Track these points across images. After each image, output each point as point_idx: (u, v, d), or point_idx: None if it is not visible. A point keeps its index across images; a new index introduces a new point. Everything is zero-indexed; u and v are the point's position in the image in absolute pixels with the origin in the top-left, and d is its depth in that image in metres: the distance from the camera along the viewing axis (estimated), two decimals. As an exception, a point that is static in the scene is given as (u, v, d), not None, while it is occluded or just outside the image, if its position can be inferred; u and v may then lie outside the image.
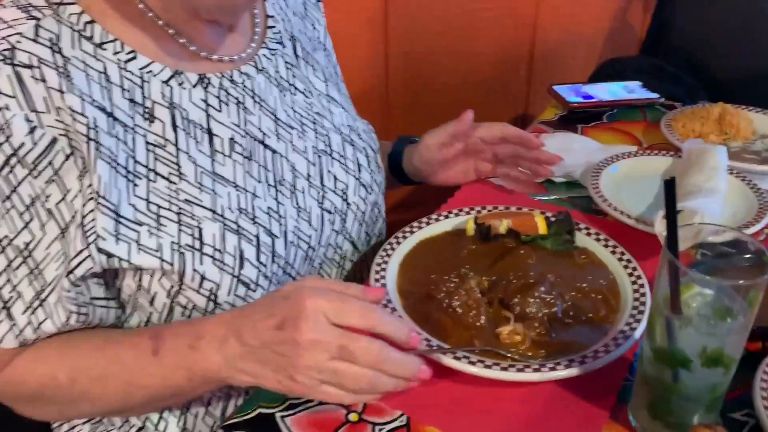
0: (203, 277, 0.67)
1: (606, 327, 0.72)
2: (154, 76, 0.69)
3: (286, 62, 0.82)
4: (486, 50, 1.71)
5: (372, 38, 1.61)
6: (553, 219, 0.85)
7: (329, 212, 0.80)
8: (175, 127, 0.69)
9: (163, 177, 0.67)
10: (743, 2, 1.53)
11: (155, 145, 0.68)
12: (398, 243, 0.83)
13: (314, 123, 0.82)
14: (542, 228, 0.84)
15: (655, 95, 1.28)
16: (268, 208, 0.73)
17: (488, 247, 0.83)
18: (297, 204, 0.77)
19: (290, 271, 0.76)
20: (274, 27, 0.84)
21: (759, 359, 0.67)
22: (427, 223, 0.88)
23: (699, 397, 0.58)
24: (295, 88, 0.82)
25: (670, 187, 0.55)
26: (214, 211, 0.69)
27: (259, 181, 0.73)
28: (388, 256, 0.81)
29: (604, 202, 0.93)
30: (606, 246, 0.83)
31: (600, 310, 0.74)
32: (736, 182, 0.98)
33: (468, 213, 0.89)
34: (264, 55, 0.79)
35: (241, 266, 0.69)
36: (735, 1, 1.54)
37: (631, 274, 0.78)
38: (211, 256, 0.67)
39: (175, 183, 0.68)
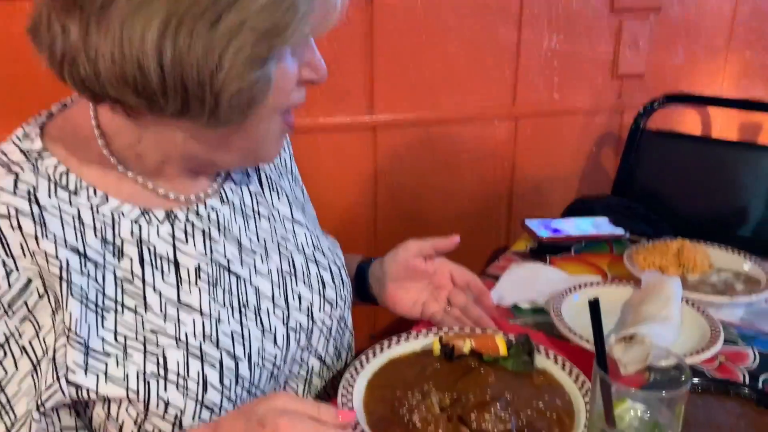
0: (167, 404, 0.70)
1: (559, 445, 0.76)
2: (124, 216, 0.74)
3: (251, 191, 0.88)
4: (469, 188, 1.84)
5: (362, 172, 1.74)
6: (513, 341, 0.91)
7: (294, 330, 0.84)
8: (142, 262, 0.74)
9: (129, 309, 0.71)
10: (700, 149, 1.67)
11: (123, 280, 0.72)
12: (367, 361, 0.89)
13: (278, 246, 0.87)
14: (502, 349, 0.89)
15: (620, 230, 1.37)
16: (232, 331, 0.76)
17: (452, 366, 0.88)
18: (261, 325, 0.80)
19: (255, 391, 0.79)
20: None
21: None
22: (397, 342, 0.93)
23: None
24: (259, 215, 0.87)
25: (594, 307, 0.61)
26: (177, 339, 0.72)
27: (224, 306, 0.77)
28: (357, 372, 0.86)
29: (565, 327, 0.99)
30: (563, 368, 0.88)
31: (553, 428, 0.78)
32: (691, 312, 1.04)
33: (436, 333, 0.95)
34: (230, 189, 0.85)
35: (205, 391, 0.72)
36: (693, 149, 1.67)
37: (585, 395, 0.82)
38: (175, 383, 0.70)
39: (141, 314, 0.72)
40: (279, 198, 0.92)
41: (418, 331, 0.95)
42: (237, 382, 0.75)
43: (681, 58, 1.89)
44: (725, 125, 2.01)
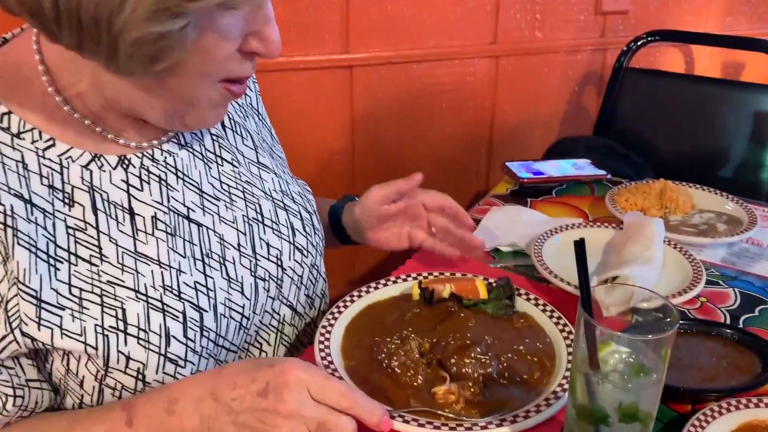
0: (129, 358, 0.67)
1: (539, 388, 0.74)
2: (74, 161, 0.69)
3: (212, 134, 0.82)
4: (448, 131, 1.79)
5: (338, 113, 1.68)
6: (494, 284, 0.89)
7: (263, 279, 0.80)
8: (95, 210, 0.69)
9: (84, 260, 0.67)
10: (683, 88, 1.64)
11: (76, 229, 0.68)
12: (345, 307, 0.86)
13: (243, 192, 0.82)
14: (483, 292, 0.87)
15: (602, 172, 1.35)
16: (195, 282, 0.73)
17: (432, 310, 0.86)
18: (227, 275, 0.76)
19: (223, 343, 0.76)
20: None
21: (687, 421, 0.69)
22: (375, 288, 0.91)
23: (619, 452, 0.60)
24: (222, 159, 0.82)
25: (580, 247, 0.59)
26: (137, 291, 0.69)
27: (184, 257, 0.73)
28: (335, 319, 0.84)
29: (546, 269, 0.97)
30: (544, 311, 0.86)
31: (534, 372, 0.77)
32: (673, 253, 1.03)
33: (415, 278, 0.92)
34: (189, 132, 0.79)
35: (168, 344, 0.69)
36: (674, 87, 1.64)
37: (566, 338, 0.81)
38: (136, 336, 0.67)
39: (96, 265, 0.68)
40: (243, 141, 0.87)
41: (397, 276, 0.93)
42: (202, 333, 0.72)
43: (666, -6, 1.84)
44: (709, 64, 1.97)
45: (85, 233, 0.68)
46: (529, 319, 0.86)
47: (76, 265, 0.67)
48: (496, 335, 0.81)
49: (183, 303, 0.71)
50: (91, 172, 0.70)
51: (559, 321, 0.84)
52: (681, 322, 0.82)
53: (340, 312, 0.85)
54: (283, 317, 0.85)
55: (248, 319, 0.79)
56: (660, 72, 1.73)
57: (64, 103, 0.69)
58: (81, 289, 0.67)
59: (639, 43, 1.67)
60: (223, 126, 0.85)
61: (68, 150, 0.69)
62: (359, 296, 0.89)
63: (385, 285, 0.91)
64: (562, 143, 1.54)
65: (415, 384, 0.74)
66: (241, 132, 0.87)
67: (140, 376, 0.68)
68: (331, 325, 0.82)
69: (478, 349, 0.76)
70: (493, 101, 1.80)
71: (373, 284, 0.91)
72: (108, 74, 0.65)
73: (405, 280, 0.92)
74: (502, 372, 0.76)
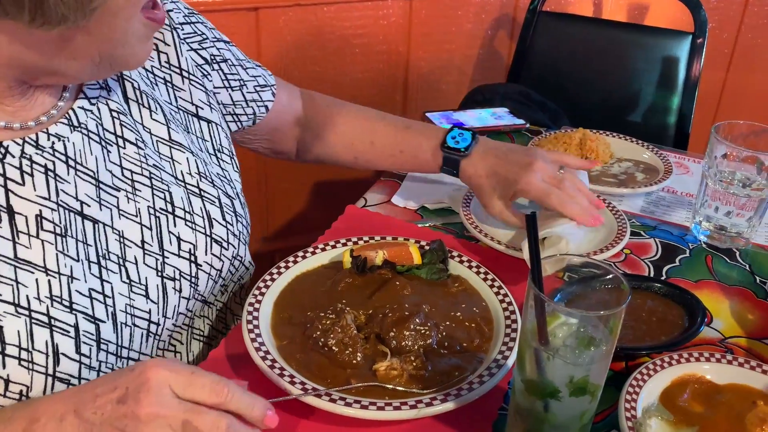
0: (8, 381, 0.59)
1: (480, 356, 0.73)
2: None
3: (111, 110, 0.70)
4: (362, 76, 1.72)
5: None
6: (427, 248, 0.86)
7: (173, 279, 0.71)
8: None
9: None
10: (594, 32, 1.64)
11: None
12: (272, 280, 0.81)
13: (150, 178, 0.72)
14: (417, 258, 0.84)
15: (520, 121, 1.34)
16: (90, 289, 0.64)
17: (365, 279, 0.82)
18: (128, 277, 0.68)
19: (128, 354, 0.68)
20: None
21: (623, 379, 0.70)
22: (303, 257, 0.85)
23: (569, 425, 0.60)
24: (125, 140, 0.70)
25: (531, 221, 0.56)
26: (17, 305, 0.59)
27: (77, 260, 0.64)
28: (262, 295, 0.78)
29: (476, 228, 0.95)
30: (478, 273, 0.84)
31: (474, 339, 0.75)
32: (596, 205, 1.04)
33: (344, 245, 0.88)
34: (81, 108, 0.67)
35: (57, 363, 0.61)
36: (586, 32, 1.64)
37: (502, 301, 0.80)
38: (17, 357, 0.59)
39: None
40: (152, 115, 0.75)
41: (326, 243, 0.88)
42: (99, 347, 0.64)
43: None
44: (615, 6, 1.99)
45: None
46: (463, 283, 0.84)
47: None
48: (432, 302, 0.79)
49: (75, 315, 0.62)
50: None
51: (494, 283, 0.82)
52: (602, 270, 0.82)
53: (267, 286, 0.79)
54: (194, 312, 0.77)
55: (158, 324, 0.70)
56: (573, 16, 1.73)
57: None
58: None
59: (552, -15, 1.65)
60: (126, 98, 0.73)
61: None
62: (286, 267, 0.83)
63: (313, 253, 0.86)
64: (479, 91, 1.51)
65: (354, 362, 0.70)
66: (148, 104, 0.75)
67: (25, 399, 0.60)
68: (259, 302, 0.77)
69: (417, 320, 0.73)
70: (408, 45, 1.74)
71: (300, 253, 0.86)
72: (4, 34, 0.55)
73: (334, 247, 0.87)
74: (442, 342, 0.74)
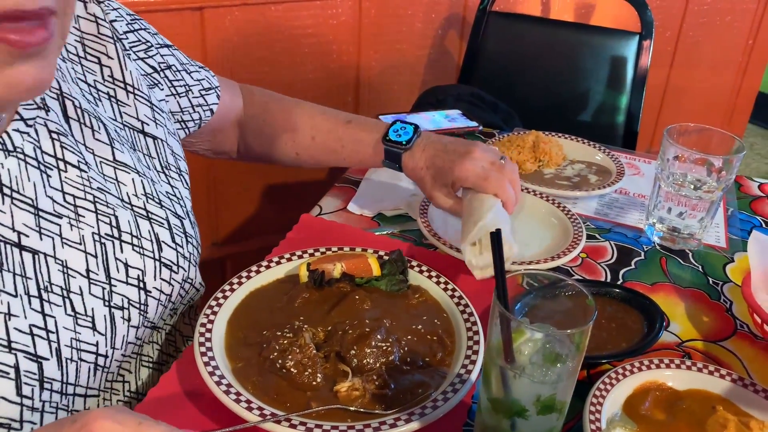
0: None
1: (443, 371, 0.71)
2: None
3: (50, 131, 0.65)
4: (311, 77, 1.69)
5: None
6: (386, 258, 0.84)
7: (121, 308, 0.67)
8: None
9: None
10: (544, 32, 1.65)
11: None
12: (225, 297, 0.77)
13: (94, 203, 0.67)
14: (376, 269, 0.82)
15: (474, 123, 1.33)
16: (31, 326, 0.59)
17: (323, 293, 0.80)
18: (73, 310, 0.63)
19: (75, 390, 0.64)
20: None
21: (585, 388, 0.69)
22: (257, 272, 0.82)
23: (536, 443, 0.59)
24: (66, 163, 0.65)
25: (496, 238, 0.54)
26: None
27: (15, 295, 0.59)
28: (214, 314, 0.74)
29: (434, 236, 0.94)
30: (438, 283, 0.83)
31: (437, 352, 0.73)
32: (551, 209, 1.04)
33: (300, 257, 0.85)
34: (17, 130, 0.61)
35: None
36: (536, 32, 1.65)
37: (463, 312, 0.78)
38: None
39: None
40: (95, 134, 0.70)
41: (280, 256, 0.85)
42: (43, 387, 0.59)
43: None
44: (562, 5, 2.01)
45: None
46: (423, 293, 0.82)
47: None
48: (393, 315, 0.77)
49: (14, 355, 0.57)
50: None
51: (454, 293, 0.81)
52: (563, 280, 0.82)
53: (219, 305, 0.76)
54: (143, 339, 0.73)
55: (106, 356, 0.66)
56: (522, 16, 1.73)
57: None
58: None
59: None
60: (66, 118, 0.68)
61: None
62: (239, 283, 0.80)
63: (267, 267, 0.83)
64: (432, 92, 1.50)
65: (314, 383, 0.67)
66: (90, 122, 0.70)
67: None
68: (211, 322, 0.73)
69: (378, 336, 0.71)
70: (358, 46, 1.71)
71: (254, 267, 0.82)
72: None
73: (289, 259, 0.84)
74: (404, 357, 0.72)
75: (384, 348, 0.71)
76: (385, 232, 0.99)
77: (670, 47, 2.19)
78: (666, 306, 0.87)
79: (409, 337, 0.75)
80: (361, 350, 0.70)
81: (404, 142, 0.93)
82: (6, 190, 0.60)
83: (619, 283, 0.91)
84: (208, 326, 0.72)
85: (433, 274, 0.84)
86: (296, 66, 1.65)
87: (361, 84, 1.76)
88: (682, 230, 0.98)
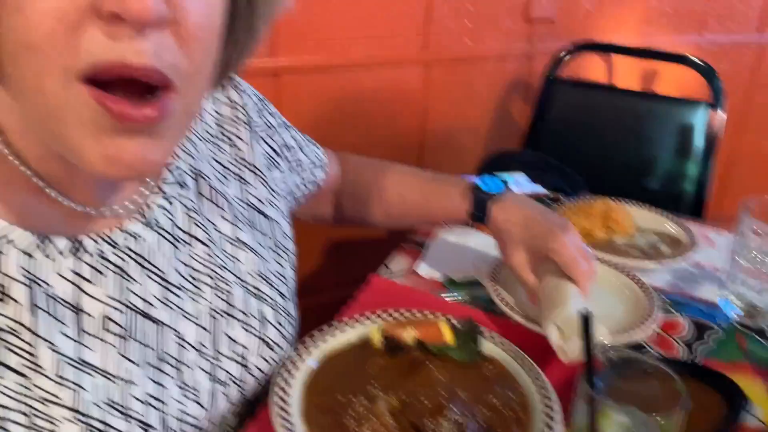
0: None
1: (518, 446, 0.70)
2: (12, 245, 0.55)
3: (186, 207, 0.68)
4: (378, 140, 1.74)
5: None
6: (459, 327, 0.84)
7: (223, 384, 0.68)
8: (34, 307, 0.55)
9: (13, 371, 0.54)
10: (609, 100, 1.66)
11: (5, 331, 0.54)
12: (301, 360, 0.78)
13: (213, 278, 0.69)
14: (448, 337, 0.82)
15: (540, 188, 1.33)
16: (147, 394, 0.61)
17: (396, 360, 0.80)
18: (183, 382, 0.65)
19: None
20: (172, 163, 0.69)
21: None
22: (333, 335, 0.83)
23: None
24: (194, 238, 0.68)
25: (586, 321, 0.55)
26: (75, 411, 0.56)
27: (138, 364, 0.61)
28: (292, 376, 0.76)
29: (505, 304, 0.93)
30: (510, 354, 0.82)
31: (511, 426, 0.72)
32: (625, 280, 1.02)
33: (369, 318, 0.86)
34: (157, 205, 0.65)
35: None
36: (602, 99, 1.66)
37: (537, 384, 0.77)
38: None
39: (29, 378, 0.55)
40: (222, 214, 0.73)
41: (353, 318, 0.86)
42: None
43: (591, 3, 1.86)
44: (627, 71, 2.02)
45: (18, 337, 0.55)
46: (497, 365, 0.81)
47: (2, 378, 0.54)
48: (467, 387, 0.76)
49: (129, 422, 0.59)
50: (35, 260, 0.56)
51: (532, 367, 0.80)
52: (647, 359, 0.80)
53: (296, 368, 0.77)
54: (232, 405, 0.74)
55: (202, 428, 0.67)
56: (588, 83, 1.75)
57: (10, 153, 0.54)
58: (5, 407, 0.54)
59: (564, 54, 1.68)
60: (200, 195, 0.71)
61: (6, 228, 0.55)
62: (315, 345, 0.81)
63: (342, 330, 0.84)
64: (499, 159, 1.52)
65: (390, 454, 0.68)
66: (218, 201, 0.73)
67: None
68: (289, 385, 0.74)
69: (454, 408, 0.71)
70: (425, 109, 1.75)
71: (326, 328, 0.84)
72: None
73: (361, 322, 0.86)
74: (479, 430, 0.71)
75: (459, 420, 0.71)
76: (454, 297, 0.99)
77: (738, 114, 2.16)
78: (746, 387, 0.84)
79: (484, 410, 0.74)
80: (437, 421, 0.70)
81: (495, 193, 0.93)
82: (143, 262, 0.63)
83: (695, 360, 0.89)
84: (287, 390, 0.74)
85: (506, 344, 0.83)
86: (364, 127, 1.70)
87: (426, 147, 1.80)
88: (762, 307, 0.96)
